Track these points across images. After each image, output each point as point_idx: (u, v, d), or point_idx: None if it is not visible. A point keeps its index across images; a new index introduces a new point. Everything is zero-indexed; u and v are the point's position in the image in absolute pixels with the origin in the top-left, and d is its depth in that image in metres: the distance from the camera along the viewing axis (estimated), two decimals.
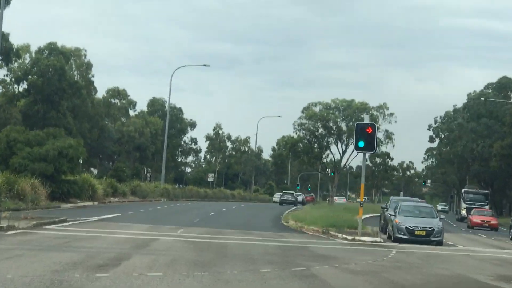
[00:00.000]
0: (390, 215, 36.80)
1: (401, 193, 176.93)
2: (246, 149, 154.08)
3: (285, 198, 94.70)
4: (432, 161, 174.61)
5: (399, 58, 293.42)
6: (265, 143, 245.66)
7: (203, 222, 42.30)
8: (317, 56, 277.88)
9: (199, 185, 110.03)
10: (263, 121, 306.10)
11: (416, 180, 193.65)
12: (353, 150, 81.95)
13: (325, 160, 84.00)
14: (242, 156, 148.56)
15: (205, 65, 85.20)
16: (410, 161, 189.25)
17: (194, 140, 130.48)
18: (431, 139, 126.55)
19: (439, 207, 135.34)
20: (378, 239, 33.40)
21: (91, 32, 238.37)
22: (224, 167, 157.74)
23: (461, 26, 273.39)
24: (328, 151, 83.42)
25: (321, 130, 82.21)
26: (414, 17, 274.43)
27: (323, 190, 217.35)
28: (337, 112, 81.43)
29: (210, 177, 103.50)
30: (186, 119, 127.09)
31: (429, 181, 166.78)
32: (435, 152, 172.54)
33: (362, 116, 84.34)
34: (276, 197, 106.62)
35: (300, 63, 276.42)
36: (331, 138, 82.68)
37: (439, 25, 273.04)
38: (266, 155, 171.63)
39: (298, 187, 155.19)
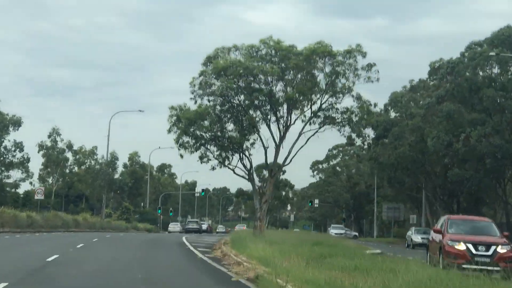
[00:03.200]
0: None
1: (291, 216, 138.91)
2: (93, 162, 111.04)
3: (190, 226, 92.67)
4: (320, 177, 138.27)
5: None
6: (122, 153, 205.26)
7: None
8: (157, 83, 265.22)
9: (23, 208, 66.82)
10: (118, 126, 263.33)
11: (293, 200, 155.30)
12: (300, 134, 42.69)
13: (249, 152, 43.38)
14: (88, 171, 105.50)
15: None
16: (285, 179, 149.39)
17: (19, 146, 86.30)
18: (350, 141, 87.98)
19: (334, 231, 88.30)
20: None
21: None
22: (64, 187, 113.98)
23: None
24: (255, 136, 43.06)
25: (242, 96, 42.09)
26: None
27: (184, 213, 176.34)
28: (268, 65, 41.53)
29: (39, 194, 60.97)
30: (6, 114, 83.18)
31: (316, 201, 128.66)
32: (326, 165, 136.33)
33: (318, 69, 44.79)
34: (172, 226, 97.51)
35: (141, 89, 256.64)
36: (260, 112, 42.53)
37: None
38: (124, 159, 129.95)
39: (159, 211, 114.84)
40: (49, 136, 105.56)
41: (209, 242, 46.51)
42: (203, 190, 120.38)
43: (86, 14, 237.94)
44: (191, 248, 35.77)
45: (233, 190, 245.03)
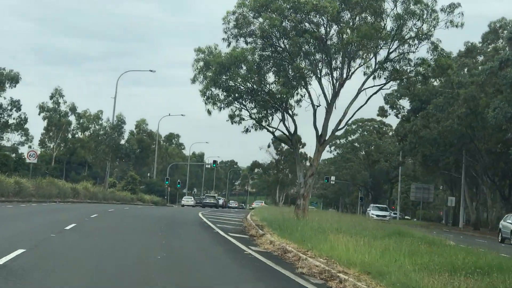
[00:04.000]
0: None
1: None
2: (98, 127, 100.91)
3: (207, 201, 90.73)
4: (338, 153, 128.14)
5: None
6: (129, 121, 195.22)
7: None
8: (165, 54, 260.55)
9: (15, 173, 56.91)
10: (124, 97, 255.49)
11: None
12: (360, 90, 32.69)
13: (293, 112, 33.30)
14: (92, 136, 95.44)
15: None
16: (304, 152, 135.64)
17: (16, 104, 76.38)
18: (382, 112, 78.44)
19: (375, 213, 68.72)
20: None
21: None
22: (66, 153, 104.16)
23: None
24: (302, 92, 33.04)
25: (287, 41, 31.89)
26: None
27: (190, 186, 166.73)
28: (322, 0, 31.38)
29: (31, 157, 50.89)
30: (3, 69, 73.22)
31: (332, 178, 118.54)
32: (344, 140, 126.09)
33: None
34: (186, 200, 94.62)
35: (148, 60, 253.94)
36: (309, 62, 32.35)
37: None
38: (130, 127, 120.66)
39: (167, 182, 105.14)
40: (51, 97, 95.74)
41: (233, 221, 37.11)
42: (214, 161, 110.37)
43: None
44: (221, 232, 26.24)
45: (241, 163, 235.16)
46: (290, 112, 33.01)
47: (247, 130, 33.77)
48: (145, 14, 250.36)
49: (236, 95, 31.75)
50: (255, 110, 32.81)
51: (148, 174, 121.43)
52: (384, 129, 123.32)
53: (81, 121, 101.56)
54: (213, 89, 31.73)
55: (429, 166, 75.90)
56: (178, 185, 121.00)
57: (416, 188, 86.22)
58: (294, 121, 33.02)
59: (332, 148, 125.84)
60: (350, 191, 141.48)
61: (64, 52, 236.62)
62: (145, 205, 78.19)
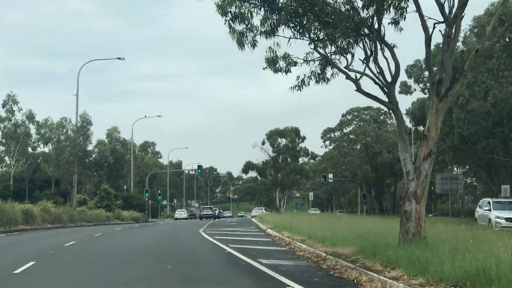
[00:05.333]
0: None
1: (310, 194, 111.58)
2: (62, 137, 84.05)
3: (204, 213, 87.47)
4: (334, 146, 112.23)
5: (216, 66, 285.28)
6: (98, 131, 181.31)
7: None
8: (132, 68, 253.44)
9: None
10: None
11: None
12: None
13: (383, 40, 17.87)
14: (58, 148, 78.62)
15: None
16: (305, 147, 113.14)
17: None
18: (406, 88, 63.09)
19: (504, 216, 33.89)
20: None
21: None
22: (27, 170, 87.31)
23: None
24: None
25: None
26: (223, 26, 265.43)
27: (170, 196, 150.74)
28: None
29: None
30: None
31: (330, 176, 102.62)
32: (340, 133, 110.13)
33: None
34: (179, 213, 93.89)
35: (115, 75, 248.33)
36: None
37: None
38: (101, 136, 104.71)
39: (147, 194, 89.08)
40: (4, 105, 79.04)
41: (262, 243, 22.11)
42: (199, 166, 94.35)
43: (57, 1, 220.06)
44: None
45: (220, 170, 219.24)
46: (383, 41, 17.21)
47: (301, 84, 17.94)
48: (111, 29, 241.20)
49: (290, 9, 15.81)
50: (320, 43, 16.90)
51: (125, 187, 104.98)
52: (382, 117, 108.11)
53: (42, 131, 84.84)
54: (243, 3, 15.87)
55: (464, 150, 60.90)
56: (159, 197, 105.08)
57: (442, 179, 70.29)
58: (394, 56, 17.19)
59: (327, 142, 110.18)
60: (347, 189, 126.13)
61: (31, 72, 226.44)
62: (124, 223, 62.49)
